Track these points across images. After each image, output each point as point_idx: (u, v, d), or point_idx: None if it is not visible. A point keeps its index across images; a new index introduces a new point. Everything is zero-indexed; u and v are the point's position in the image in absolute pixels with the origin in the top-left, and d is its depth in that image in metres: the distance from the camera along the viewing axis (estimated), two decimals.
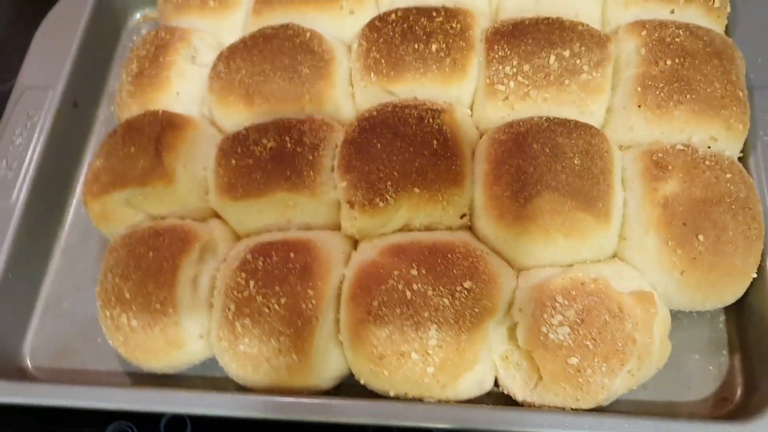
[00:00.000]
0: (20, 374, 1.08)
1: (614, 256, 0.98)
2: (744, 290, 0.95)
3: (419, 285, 0.90)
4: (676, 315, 0.97)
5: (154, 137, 1.04)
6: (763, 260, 0.95)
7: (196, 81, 1.16)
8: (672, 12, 1.09)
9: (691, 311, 0.99)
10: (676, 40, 1.02)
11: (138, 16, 1.43)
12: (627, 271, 0.95)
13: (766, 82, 1.09)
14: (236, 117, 1.09)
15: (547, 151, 0.95)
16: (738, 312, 1.00)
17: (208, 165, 1.05)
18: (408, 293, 0.90)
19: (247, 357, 0.94)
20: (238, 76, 1.08)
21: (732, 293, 0.95)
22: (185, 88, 1.14)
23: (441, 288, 0.90)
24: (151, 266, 0.98)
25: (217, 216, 1.07)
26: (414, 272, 0.91)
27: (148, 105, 1.13)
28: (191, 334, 0.98)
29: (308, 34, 1.10)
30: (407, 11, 1.09)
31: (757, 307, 0.96)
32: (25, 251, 1.12)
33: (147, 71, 1.14)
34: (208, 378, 1.04)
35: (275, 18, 1.17)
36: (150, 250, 0.99)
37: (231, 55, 1.11)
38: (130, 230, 1.04)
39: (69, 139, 1.25)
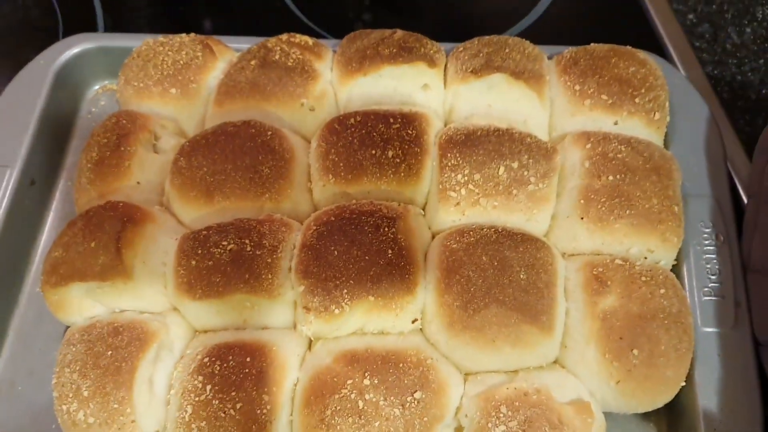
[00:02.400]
0: None
1: (556, 361, 1.03)
2: (673, 396, 1.01)
3: (371, 395, 0.94)
4: (610, 414, 1.03)
5: (115, 234, 1.05)
6: (691, 369, 1.02)
7: (155, 169, 1.18)
8: (616, 123, 1.16)
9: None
10: (618, 156, 1.08)
11: (97, 87, 1.43)
12: (567, 379, 1.01)
13: (701, 191, 1.16)
14: (195, 212, 1.11)
15: (496, 263, 1.00)
16: (668, 411, 1.06)
17: (166, 260, 1.07)
18: (360, 403, 0.94)
19: None
20: (199, 173, 1.10)
21: (663, 399, 1.01)
22: (145, 178, 1.16)
23: (392, 398, 0.95)
24: (109, 366, 0.99)
25: (175, 309, 1.09)
26: (367, 382, 0.95)
27: (108, 194, 1.14)
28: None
29: (269, 134, 1.13)
30: (366, 116, 1.13)
31: (686, 409, 1.03)
32: None
33: (108, 160, 1.15)
34: None
35: (236, 110, 1.19)
36: (109, 349, 1.01)
37: (192, 151, 1.13)
38: (88, 325, 1.06)
39: (25, 218, 1.25)
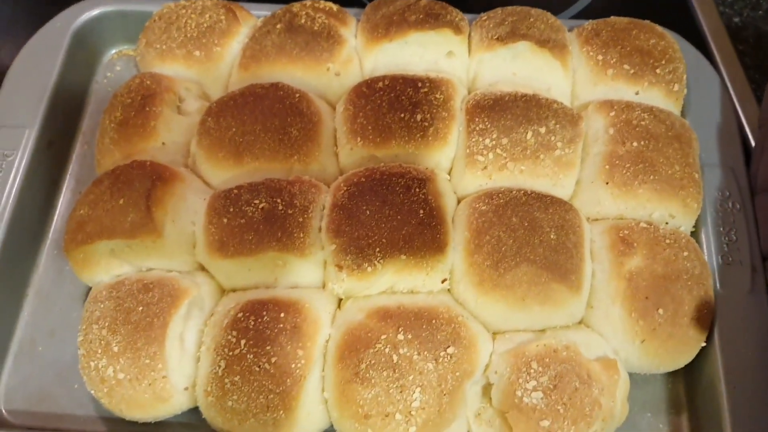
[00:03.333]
0: None
1: (581, 321, 1.06)
2: (694, 356, 1.04)
3: (405, 349, 0.96)
4: (630, 375, 1.05)
5: (144, 192, 1.05)
6: (711, 330, 1.05)
7: (181, 130, 1.18)
8: (637, 93, 1.18)
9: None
10: (642, 123, 1.11)
11: (113, 51, 1.42)
12: (593, 337, 1.03)
13: (716, 160, 1.19)
14: (224, 173, 1.12)
15: (526, 224, 1.02)
16: (687, 374, 1.09)
17: (196, 220, 1.08)
18: (395, 357, 0.95)
19: (234, 412, 0.97)
20: (228, 133, 1.11)
21: (684, 359, 1.04)
22: (170, 139, 1.16)
23: (426, 353, 0.96)
24: (140, 321, 1.00)
25: (202, 268, 1.09)
26: (401, 337, 0.97)
27: (133, 154, 1.14)
28: (178, 388, 1.01)
29: (297, 96, 1.14)
30: (394, 80, 1.14)
31: (706, 371, 1.05)
32: None
33: (132, 120, 1.15)
34: (185, 424, 1.07)
35: (261, 74, 1.20)
36: (139, 305, 1.01)
37: (221, 111, 1.13)
38: (116, 282, 1.06)
39: (44, 180, 1.24)
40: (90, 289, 1.10)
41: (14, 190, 1.17)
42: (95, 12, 1.36)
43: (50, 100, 1.26)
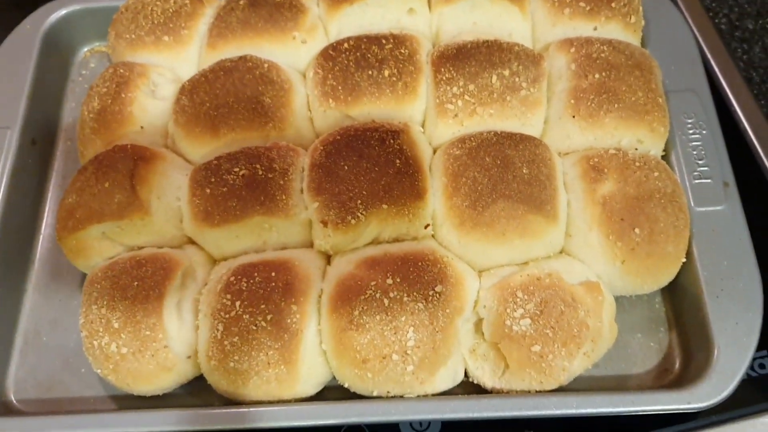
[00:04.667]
0: (5, 409, 1.11)
1: (562, 251, 1.09)
2: (676, 273, 1.08)
3: (395, 292, 0.99)
4: (618, 299, 1.08)
5: (128, 172, 1.08)
6: (690, 245, 1.08)
7: (158, 113, 1.21)
8: (595, 29, 1.21)
9: (631, 295, 1.12)
10: (602, 55, 1.14)
11: (85, 49, 1.45)
12: (574, 264, 1.06)
13: (680, 86, 1.22)
14: (203, 147, 1.14)
15: (498, 162, 1.05)
16: (671, 292, 1.12)
17: (180, 195, 1.11)
18: (386, 301, 0.99)
19: (237, 372, 1.00)
20: (202, 108, 1.14)
21: (666, 276, 1.07)
22: (148, 122, 1.19)
23: (415, 294, 0.99)
24: (137, 295, 1.03)
25: (191, 242, 1.12)
26: (389, 281, 1.00)
27: (114, 140, 1.17)
28: (181, 357, 1.04)
29: (266, 66, 1.17)
30: (358, 40, 1.17)
31: (689, 287, 1.09)
32: None
33: (110, 108, 1.18)
34: (195, 394, 1.10)
35: (229, 50, 1.23)
36: (134, 280, 1.04)
37: (193, 88, 1.16)
38: (110, 263, 1.09)
39: (30, 178, 1.27)
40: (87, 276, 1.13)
41: (2, 190, 1.20)
42: (63, 12, 1.38)
43: (29, 99, 1.29)
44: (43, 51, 1.35)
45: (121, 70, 1.22)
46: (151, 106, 1.21)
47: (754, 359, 1.07)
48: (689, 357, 1.08)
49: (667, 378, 1.08)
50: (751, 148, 1.27)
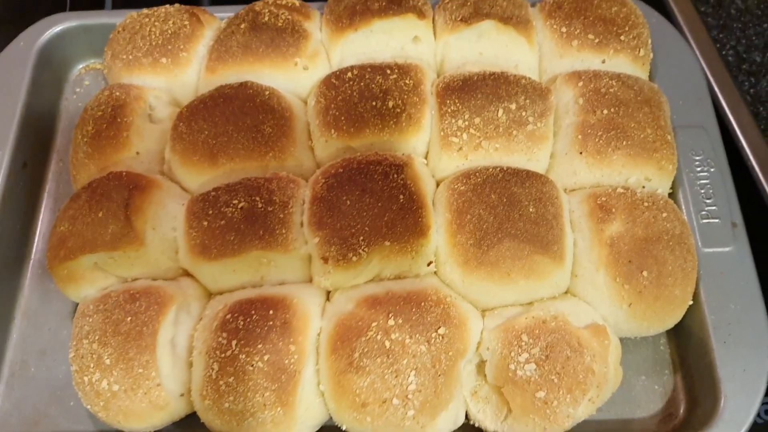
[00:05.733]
0: None
1: (567, 291, 1.07)
2: (682, 316, 1.06)
3: (397, 334, 0.96)
4: (622, 339, 1.06)
5: (123, 202, 1.05)
6: (697, 287, 1.06)
7: (154, 138, 1.17)
8: (603, 62, 1.19)
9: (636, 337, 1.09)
10: (611, 90, 1.12)
11: (80, 67, 1.42)
12: (581, 306, 1.04)
13: (688, 122, 1.20)
14: (200, 176, 1.11)
15: (504, 200, 1.03)
16: (676, 334, 1.10)
17: (176, 225, 1.08)
18: (387, 343, 0.96)
19: (232, 413, 0.97)
20: (201, 136, 1.11)
21: (673, 319, 1.05)
22: (144, 148, 1.16)
23: (417, 336, 0.97)
24: (130, 331, 0.99)
25: (186, 274, 1.09)
26: (391, 322, 0.97)
27: (108, 166, 1.13)
28: (174, 395, 1.01)
29: (267, 93, 1.14)
30: (362, 69, 1.15)
31: (695, 330, 1.07)
32: None
33: (105, 132, 1.14)
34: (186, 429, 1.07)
35: (229, 75, 1.20)
36: (127, 315, 1.01)
37: (192, 115, 1.13)
38: (102, 295, 1.05)
39: (21, 201, 1.24)
40: (78, 306, 1.10)
41: None
42: (58, 29, 1.35)
43: (21, 120, 1.26)
44: (37, 68, 1.32)
45: (117, 93, 1.19)
46: (148, 130, 1.17)
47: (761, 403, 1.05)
48: (695, 402, 1.05)
49: (671, 423, 1.06)
50: (759, 186, 1.25)
